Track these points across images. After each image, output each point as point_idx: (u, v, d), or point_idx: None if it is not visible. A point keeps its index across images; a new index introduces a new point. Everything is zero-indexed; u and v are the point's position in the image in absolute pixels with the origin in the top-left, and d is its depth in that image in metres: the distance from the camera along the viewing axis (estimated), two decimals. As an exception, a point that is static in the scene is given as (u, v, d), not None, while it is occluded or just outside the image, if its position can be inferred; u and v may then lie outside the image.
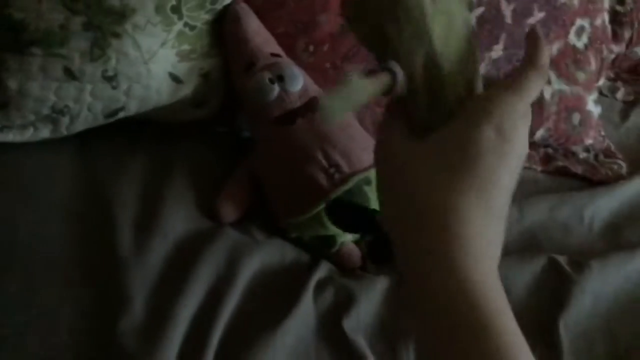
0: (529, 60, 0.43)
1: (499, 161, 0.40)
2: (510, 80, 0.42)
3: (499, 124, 0.40)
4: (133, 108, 0.84)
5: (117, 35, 0.78)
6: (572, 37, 1.13)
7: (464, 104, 0.43)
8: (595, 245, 0.97)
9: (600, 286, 0.86)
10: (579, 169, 1.13)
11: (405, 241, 0.41)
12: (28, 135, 0.82)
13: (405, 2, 0.42)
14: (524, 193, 1.00)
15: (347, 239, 0.85)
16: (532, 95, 0.42)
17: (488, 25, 1.01)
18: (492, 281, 0.39)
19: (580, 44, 1.15)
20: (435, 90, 0.43)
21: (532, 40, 0.44)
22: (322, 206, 0.81)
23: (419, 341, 0.41)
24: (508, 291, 0.78)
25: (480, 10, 1.00)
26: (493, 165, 0.40)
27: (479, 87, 0.45)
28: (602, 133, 1.22)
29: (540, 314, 0.82)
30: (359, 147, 0.86)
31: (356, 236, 0.86)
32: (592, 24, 1.16)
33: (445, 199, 0.40)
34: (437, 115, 0.43)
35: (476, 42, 0.45)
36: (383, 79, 0.42)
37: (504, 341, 0.37)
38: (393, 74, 0.42)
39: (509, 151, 0.40)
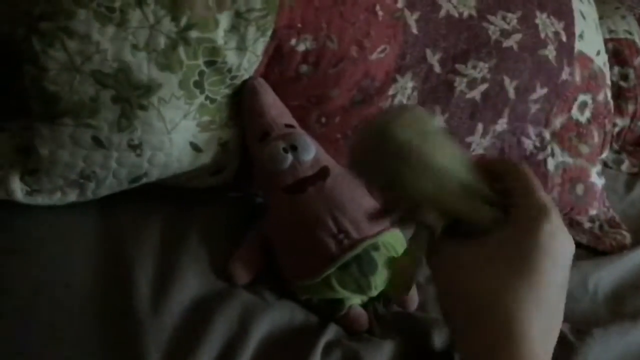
0: (519, 168, 0.46)
1: (552, 259, 0.43)
2: (527, 184, 0.45)
3: (551, 224, 0.43)
4: (155, 174, 0.89)
5: (143, 108, 0.83)
6: (575, 112, 1.18)
7: (512, 210, 0.45)
8: (599, 314, 0.99)
9: (602, 355, 0.87)
10: (583, 239, 1.16)
11: (467, 336, 0.44)
12: (56, 199, 0.86)
13: (393, 148, 0.44)
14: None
15: (355, 302, 0.88)
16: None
17: (492, 101, 1.06)
18: None
19: (583, 118, 1.20)
20: (465, 210, 0.45)
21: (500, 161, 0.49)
22: (331, 270, 0.84)
23: None
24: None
25: (484, 86, 1.05)
26: (548, 267, 0.43)
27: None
28: (607, 204, 1.25)
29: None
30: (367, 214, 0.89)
31: (364, 300, 0.89)
32: (594, 99, 1.21)
33: (507, 300, 0.42)
34: (478, 225, 0.45)
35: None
36: (420, 235, 0.46)
37: None
38: (425, 229, 0.46)
39: (561, 249, 0.43)
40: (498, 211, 0.46)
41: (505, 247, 0.43)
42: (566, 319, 0.92)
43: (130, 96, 0.82)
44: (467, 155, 0.48)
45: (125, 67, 0.81)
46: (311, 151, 0.90)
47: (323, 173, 0.90)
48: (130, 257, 0.83)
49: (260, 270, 0.89)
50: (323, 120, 0.98)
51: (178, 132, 0.87)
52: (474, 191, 0.46)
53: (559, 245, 0.43)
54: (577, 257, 1.09)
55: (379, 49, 0.96)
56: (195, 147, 0.90)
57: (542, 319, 0.43)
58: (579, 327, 0.91)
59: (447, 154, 0.46)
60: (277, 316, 0.82)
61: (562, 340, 0.87)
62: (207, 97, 0.88)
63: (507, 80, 1.06)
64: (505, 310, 0.42)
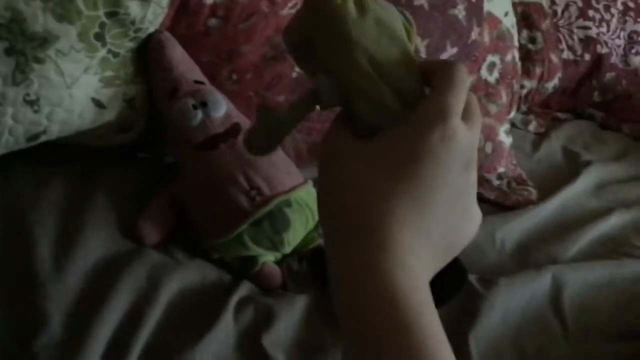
0: (447, 67, 0.42)
1: (440, 165, 0.40)
2: (444, 83, 0.41)
3: (444, 129, 0.40)
4: (55, 132, 0.85)
5: (39, 61, 0.79)
6: (483, 72, 1.21)
7: (409, 110, 0.42)
8: (506, 265, 1.02)
9: (508, 302, 0.91)
10: (491, 195, 1.19)
11: (336, 239, 0.41)
12: (-54, 158, 0.81)
13: (327, 11, 0.42)
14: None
15: (268, 259, 0.87)
16: (464, 93, 0.42)
17: (403, 59, 1.07)
18: (416, 285, 0.39)
19: (491, 78, 1.23)
20: (371, 96, 0.43)
21: (441, 64, 0.44)
22: (243, 227, 0.83)
23: (346, 345, 0.40)
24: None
25: (395, 44, 1.05)
26: (433, 170, 0.40)
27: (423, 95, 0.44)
28: (514, 162, 1.29)
29: (451, 328, 0.85)
30: (280, 171, 0.89)
31: (278, 257, 0.89)
32: (502, 60, 1.24)
33: (376, 196, 0.40)
34: (378, 121, 0.43)
35: (413, 52, 0.45)
36: (306, 99, 0.43)
37: (426, 340, 0.37)
38: (317, 92, 0.42)
39: (453, 155, 0.40)
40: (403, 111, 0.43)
41: (391, 146, 0.41)
42: (474, 270, 0.96)
43: (25, 48, 0.77)
44: (410, 50, 0.44)
45: (18, 16, 0.76)
46: (222, 108, 0.89)
47: (234, 130, 0.88)
48: (31, 218, 0.79)
49: (171, 230, 0.87)
50: (234, 77, 0.96)
51: (79, 87, 0.83)
52: (395, 82, 0.43)
53: (450, 154, 0.40)
54: (485, 212, 1.12)
55: (290, 4, 0.95)
56: (98, 104, 0.86)
57: (421, 227, 0.40)
58: (486, 277, 0.94)
59: (386, 34, 0.43)
60: (188, 275, 0.81)
61: (469, 290, 0.90)
62: (109, 51, 0.84)
63: (418, 39, 1.07)
64: (381, 212, 0.39)
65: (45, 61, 0.79)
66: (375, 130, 0.43)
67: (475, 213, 0.44)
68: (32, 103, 0.81)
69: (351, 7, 0.43)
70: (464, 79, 0.42)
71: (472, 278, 0.93)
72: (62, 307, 0.71)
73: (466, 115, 0.42)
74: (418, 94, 0.44)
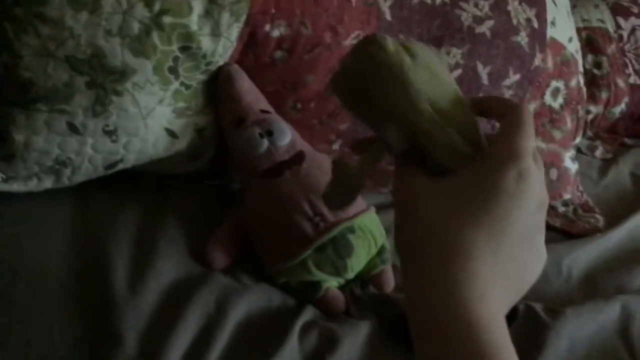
0: (510, 106, 0.45)
1: (515, 204, 0.41)
2: (515, 126, 0.43)
3: (520, 169, 0.41)
4: (131, 160, 0.90)
5: (118, 93, 0.83)
6: (547, 98, 1.20)
7: (479, 149, 0.44)
8: (573, 294, 1.01)
9: (576, 332, 0.89)
10: (557, 222, 1.18)
11: (416, 271, 0.42)
12: (32, 185, 0.86)
13: (385, 63, 0.43)
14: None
15: (332, 284, 0.89)
16: (533, 133, 0.44)
17: (465, 87, 1.08)
18: (495, 318, 0.40)
19: (556, 104, 1.21)
20: (440, 139, 0.44)
21: (501, 102, 0.47)
22: (307, 253, 0.85)
23: None
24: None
25: (457, 72, 1.06)
26: (509, 208, 0.41)
27: (479, 130, 0.46)
28: (580, 188, 1.27)
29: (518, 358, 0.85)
30: (343, 198, 0.90)
31: (341, 282, 0.90)
32: (567, 85, 1.23)
33: (455, 233, 0.41)
34: (449, 161, 0.44)
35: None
36: (376, 148, 0.44)
37: None
38: (384, 139, 0.43)
39: (527, 195, 0.41)
40: (474, 151, 0.45)
41: (468, 185, 0.42)
42: (540, 299, 0.95)
43: (105, 82, 0.82)
44: (458, 89, 0.46)
45: (99, 52, 0.81)
46: (287, 136, 0.91)
47: (299, 157, 0.91)
48: (107, 242, 0.83)
49: (238, 254, 0.90)
50: (299, 105, 0.99)
51: (153, 118, 0.87)
52: (455, 122, 0.44)
53: (525, 192, 0.41)
54: (551, 240, 1.13)
55: (352, 35, 0.97)
56: (171, 133, 0.90)
57: (497, 264, 0.41)
58: (552, 306, 0.93)
59: (437, 76, 0.45)
60: (254, 299, 0.83)
61: (535, 318, 0.89)
62: (182, 83, 0.88)
63: (480, 66, 1.08)
64: (458, 245, 0.41)
65: (123, 94, 0.84)
66: (446, 167, 0.44)
67: (544, 252, 0.45)
68: (111, 133, 0.85)
69: (404, 53, 0.44)
70: (531, 119, 0.44)
71: (538, 307, 0.92)
72: (136, 328, 0.74)
73: (534, 157, 0.43)
74: (475, 130, 0.46)
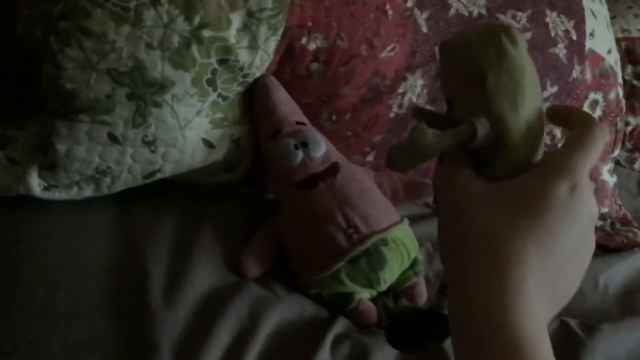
0: (586, 121, 0.44)
1: (568, 217, 0.41)
2: (579, 139, 0.43)
3: (574, 182, 0.41)
4: (169, 170, 0.91)
5: (157, 105, 0.85)
6: (585, 110, 1.18)
7: (536, 160, 0.44)
8: (609, 310, 0.99)
9: (612, 350, 0.88)
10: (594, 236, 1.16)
11: (463, 280, 0.42)
12: (73, 194, 0.89)
13: (512, 61, 0.43)
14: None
15: (364, 296, 0.89)
16: (598, 152, 0.43)
17: (502, 98, 1.07)
18: (539, 331, 0.39)
19: (594, 116, 1.20)
20: (521, 151, 0.44)
21: (580, 113, 0.46)
22: (341, 264, 0.86)
23: None
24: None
25: (494, 84, 1.05)
26: (561, 220, 0.40)
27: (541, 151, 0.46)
28: (618, 202, 1.25)
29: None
30: (378, 210, 0.91)
31: (374, 294, 0.90)
32: (605, 98, 1.21)
33: (505, 241, 0.40)
34: (513, 170, 0.44)
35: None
36: (463, 131, 0.43)
37: None
38: (473, 127, 0.43)
39: (579, 209, 0.41)
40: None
41: (522, 194, 0.42)
42: (575, 314, 0.94)
43: (145, 93, 0.84)
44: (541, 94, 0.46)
45: (139, 65, 0.83)
46: (322, 148, 0.92)
47: (333, 169, 0.91)
48: (145, 251, 0.85)
49: (271, 264, 0.90)
50: (334, 117, 1.00)
51: (191, 129, 0.89)
52: (536, 136, 0.44)
53: (578, 206, 0.41)
54: (587, 255, 1.11)
55: (388, 48, 0.98)
56: (208, 144, 0.92)
57: (545, 276, 0.40)
58: (588, 322, 0.91)
59: (537, 84, 0.45)
60: (287, 310, 0.84)
61: (570, 335, 0.88)
62: (219, 95, 0.90)
63: (517, 78, 1.07)
64: (509, 254, 0.40)
65: (162, 105, 0.85)
66: (495, 177, 0.44)
67: (586, 267, 0.44)
68: (150, 144, 0.87)
69: (528, 56, 0.44)
70: (603, 140, 0.43)
71: (573, 323, 0.91)
72: (171, 337, 0.75)
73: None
74: (537, 149, 0.45)
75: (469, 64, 0.44)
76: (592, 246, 0.44)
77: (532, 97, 0.44)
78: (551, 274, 0.41)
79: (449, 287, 0.43)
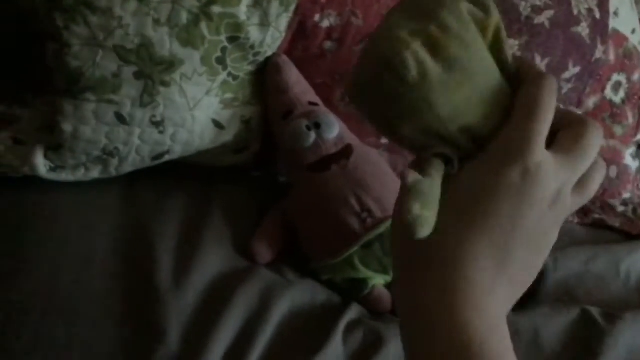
0: (533, 79, 0.38)
1: (520, 204, 0.37)
2: (525, 108, 0.37)
3: (525, 165, 0.36)
4: (178, 151, 0.89)
5: (165, 84, 0.83)
6: (608, 92, 1.15)
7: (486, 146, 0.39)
8: (631, 299, 0.96)
9: (635, 340, 0.85)
10: (616, 222, 1.13)
11: (407, 277, 0.40)
12: (79, 175, 0.87)
13: (404, 91, 0.37)
14: (559, 244, 0.99)
15: (378, 282, 0.86)
16: (550, 114, 0.37)
17: (522, 79, 1.03)
18: (491, 324, 0.38)
19: (617, 98, 1.16)
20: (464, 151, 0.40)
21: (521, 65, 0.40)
22: (354, 249, 0.83)
23: None
24: (540, 340, 0.78)
25: (514, 64, 1.02)
26: (512, 210, 0.37)
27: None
28: (641, 187, 1.21)
29: (573, 364, 0.81)
30: (392, 194, 0.88)
31: (388, 280, 0.88)
32: (629, 79, 1.17)
33: (454, 242, 0.38)
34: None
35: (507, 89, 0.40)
36: (439, 165, 0.39)
37: None
38: (445, 157, 0.39)
39: (533, 193, 0.37)
40: None
41: (465, 185, 0.38)
42: (597, 303, 0.91)
43: (153, 72, 0.81)
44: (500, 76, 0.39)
45: (147, 42, 0.80)
46: (335, 129, 0.89)
47: (347, 151, 0.89)
48: (153, 234, 0.83)
49: (282, 249, 0.88)
50: (347, 98, 0.97)
51: (200, 109, 0.86)
52: (488, 132, 0.39)
53: (532, 190, 0.36)
54: (609, 241, 1.08)
55: (405, 25, 0.94)
56: (218, 125, 0.89)
57: (498, 268, 0.37)
58: (610, 311, 0.88)
59: (473, 79, 0.38)
60: (298, 295, 0.81)
61: (592, 323, 0.85)
62: (229, 74, 0.87)
63: (538, 58, 1.03)
64: (457, 251, 0.38)
65: (171, 84, 0.83)
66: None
67: (552, 243, 0.41)
68: (158, 124, 0.85)
69: (433, 68, 0.37)
70: (549, 96, 0.37)
71: (594, 311, 0.87)
72: (179, 322, 0.73)
73: (572, 138, 0.38)
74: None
75: (374, 109, 0.39)
76: (559, 225, 0.40)
77: (464, 102, 0.38)
78: (508, 267, 0.38)
79: (393, 287, 0.42)
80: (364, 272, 0.84)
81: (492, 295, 0.38)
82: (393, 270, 0.43)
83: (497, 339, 0.38)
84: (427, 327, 0.38)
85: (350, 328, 0.79)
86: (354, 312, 0.82)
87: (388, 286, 0.87)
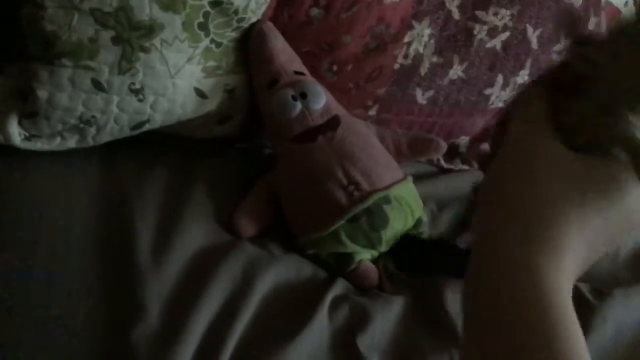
0: None
1: (624, 208, 0.40)
2: None
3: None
4: (158, 121, 0.86)
5: (145, 50, 0.79)
6: (600, 65, 1.12)
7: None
8: (621, 275, 0.95)
9: (623, 316, 0.84)
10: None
11: (500, 224, 0.40)
12: (55, 144, 0.83)
13: None
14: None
15: (365, 257, 0.84)
16: None
17: (514, 50, 1.01)
18: (565, 287, 0.39)
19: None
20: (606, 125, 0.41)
21: None
22: (340, 223, 0.81)
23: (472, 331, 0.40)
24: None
25: (505, 35, 0.99)
26: (620, 207, 0.40)
27: None
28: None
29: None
30: (380, 166, 0.86)
31: (375, 255, 0.86)
32: (621, 52, 1.15)
33: (563, 205, 0.39)
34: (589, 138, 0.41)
35: None
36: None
37: (567, 342, 0.37)
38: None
39: (630, 189, 0.40)
40: None
41: (596, 170, 0.40)
42: (586, 279, 0.90)
43: (131, 37, 0.78)
44: None
45: (125, 5, 0.77)
46: (321, 99, 0.87)
47: (334, 122, 0.86)
48: (132, 207, 0.80)
49: (267, 223, 0.86)
50: (335, 68, 0.94)
51: (182, 77, 0.83)
52: None
53: (630, 183, 0.40)
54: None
55: (394, -7, 0.91)
56: (200, 93, 0.86)
57: (586, 242, 0.40)
58: (598, 287, 0.87)
59: None
60: (282, 270, 0.80)
61: (581, 300, 0.84)
62: (212, 41, 0.84)
63: (530, 30, 1.01)
64: (553, 214, 0.39)
65: (151, 50, 0.79)
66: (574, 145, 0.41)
67: None
68: (137, 92, 0.81)
69: None
70: None
71: (584, 288, 0.87)
72: (160, 297, 0.71)
73: None
74: None
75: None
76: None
77: None
78: (592, 241, 0.40)
79: (478, 218, 0.42)
80: (351, 246, 0.83)
81: (573, 258, 0.39)
82: (482, 195, 0.44)
83: (564, 296, 0.39)
84: (501, 266, 0.39)
85: (336, 303, 0.78)
86: (339, 287, 0.81)
87: (374, 261, 0.86)
